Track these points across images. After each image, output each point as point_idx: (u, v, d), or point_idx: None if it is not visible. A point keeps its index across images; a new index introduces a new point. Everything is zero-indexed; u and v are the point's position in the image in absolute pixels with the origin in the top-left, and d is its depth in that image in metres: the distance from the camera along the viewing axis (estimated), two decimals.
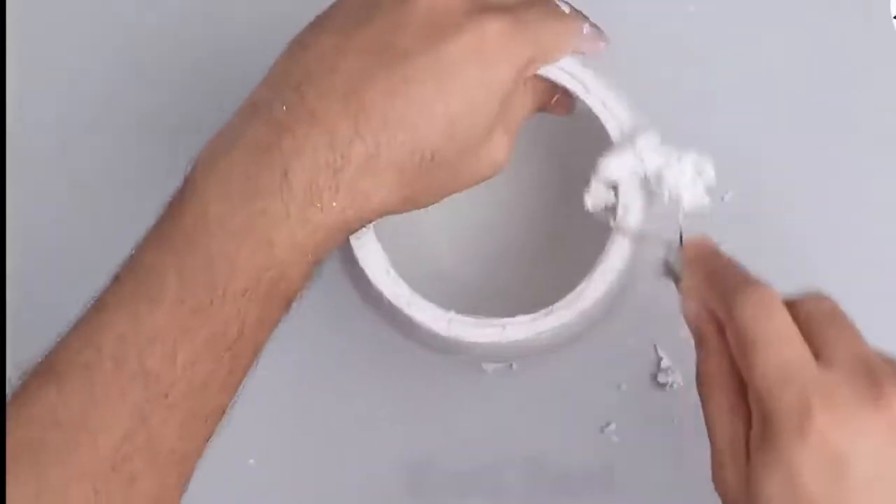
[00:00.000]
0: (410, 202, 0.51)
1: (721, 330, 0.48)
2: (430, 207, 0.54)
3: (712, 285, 0.49)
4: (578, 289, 0.55)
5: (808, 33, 0.68)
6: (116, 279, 0.50)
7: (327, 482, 0.65)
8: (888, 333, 0.48)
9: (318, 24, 0.52)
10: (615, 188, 0.54)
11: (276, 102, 0.49)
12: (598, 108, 0.55)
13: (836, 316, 0.47)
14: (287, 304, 0.49)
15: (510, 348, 0.56)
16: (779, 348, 0.46)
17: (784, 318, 0.46)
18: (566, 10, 0.54)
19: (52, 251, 0.69)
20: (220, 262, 0.47)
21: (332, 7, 0.52)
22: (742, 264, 0.50)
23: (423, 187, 0.51)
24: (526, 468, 0.65)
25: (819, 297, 0.48)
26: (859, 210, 0.66)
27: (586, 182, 0.55)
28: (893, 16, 0.67)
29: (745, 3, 0.68)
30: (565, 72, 0.55)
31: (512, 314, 0.56)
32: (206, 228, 0.48)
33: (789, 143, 0.67)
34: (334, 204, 0.48)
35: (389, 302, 0.56)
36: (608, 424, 0.65)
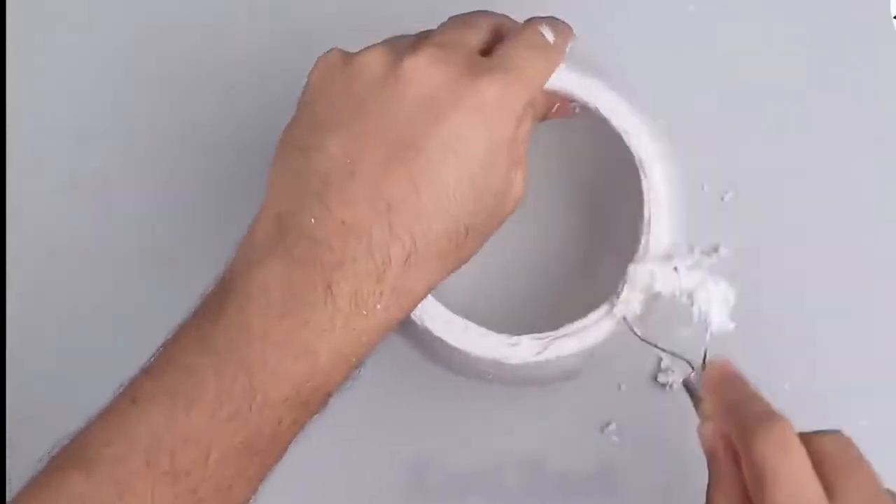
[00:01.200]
0: (452, 272, 0.51)
1: (735, 457, 0.49)
2: None
3: (732, 415, 0.49)
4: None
5: (808, 33, 0.68)
6: (150, 373, 0.49)
7: (329, 483, 0.65)
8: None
9: (309, 124, 0.51)
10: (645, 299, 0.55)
11: (304, 216, 0.48)
12: (621, 131, 0.55)
13: (850, 455, 0.48)
14: (325, 404, 0.49)
15: (519, 370, 0.56)
16: (794, 487, 0.46)
17: (801, 456, 0.47)
18: (549, 37, 0.53)
19: (51, 251, 0.69)
20: (260, 370, 0.46)
21: (308, 102, 0.51)
22: (762, 395, 0.50)
23: (463, 257, 0.51)
24: (526, 468, 0.65)
25: (836, 436, 0.48)
26: (857, 211, 0.66)
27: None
28: (893, 16, 0.67)
29: (744, 4, 0.68)
30: (576, 85, 0.55)
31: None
32: (247, 336, 0.47)
33: (789, 143, 0.67)
34: (378, 307, 0.48)
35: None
36: (608, 424, 0.65)
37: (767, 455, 0.46)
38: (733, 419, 0.49)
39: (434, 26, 0.54)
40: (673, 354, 0.54)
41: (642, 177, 0.55)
